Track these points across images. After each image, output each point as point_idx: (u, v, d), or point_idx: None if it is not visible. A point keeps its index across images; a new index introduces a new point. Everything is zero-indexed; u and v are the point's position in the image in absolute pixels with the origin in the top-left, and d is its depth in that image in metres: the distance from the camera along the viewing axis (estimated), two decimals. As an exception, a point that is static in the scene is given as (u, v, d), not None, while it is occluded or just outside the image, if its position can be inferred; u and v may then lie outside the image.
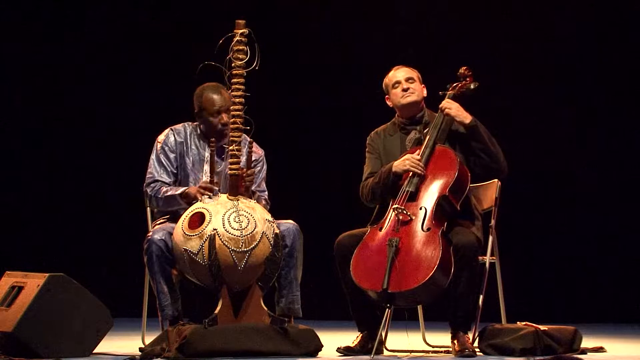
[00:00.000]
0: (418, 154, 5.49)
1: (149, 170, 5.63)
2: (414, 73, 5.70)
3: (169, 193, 5.52)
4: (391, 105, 5.73)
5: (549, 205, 8.49)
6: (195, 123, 5.71)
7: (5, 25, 8.90)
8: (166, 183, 5.59)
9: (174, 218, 5.52)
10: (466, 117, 5.55)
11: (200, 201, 5.37)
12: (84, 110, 8.94)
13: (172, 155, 5.64)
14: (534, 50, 8.48)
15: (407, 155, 5.51)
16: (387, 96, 5.73)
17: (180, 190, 5.50)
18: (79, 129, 8.94)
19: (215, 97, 5.55)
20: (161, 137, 5.67)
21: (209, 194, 5.41)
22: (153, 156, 5.64)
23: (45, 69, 8.94)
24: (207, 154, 5.55)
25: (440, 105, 5.60)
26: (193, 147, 5.66)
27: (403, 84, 5.66)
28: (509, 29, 8.48)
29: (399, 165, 5.50)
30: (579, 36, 8.43)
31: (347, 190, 6.27)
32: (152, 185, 5.59)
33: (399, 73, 5.70)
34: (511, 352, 5.36)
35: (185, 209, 5.44)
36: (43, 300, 5.12)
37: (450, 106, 5.58)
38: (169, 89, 8.66)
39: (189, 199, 5.46)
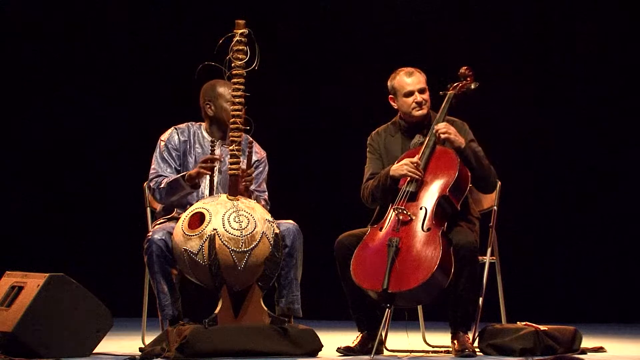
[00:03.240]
0: (418, 157, 5.47)
1: (152, 167, 5.62)
2: (424, 80, 5.61)
3: (171, 179, 5.51)
4: (395, 107, 5.69)
5: (548, 205, 8.49)
6: (199, 123, 5.71)
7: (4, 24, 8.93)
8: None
9: (175, 218, 5.53)
10: (461, 143, 5.49)
11: (202, 200, 5.40)
12: (84, 110, 8.95)
13: (175, 154, 5.64)
14: (534, 50, 8.49)
15: (405, 160, 5.47)
16: (391, 96, 5.67)
17: (182, 174, 5.50)
18: (79, 129, 8.94)
19: (225, 87, 5.56)
20: (164, 136, 5.68)
21: (212, 165, 5.42)
22: (156, 154, 5.64)
23: (46, 67, 8.94)
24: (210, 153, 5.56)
25: (435, 128, 5.52)
26: (197, 145, 5.66)
27: (417, 96, 5.58)
28: (510, 28, 8.49)
29: (396, 169, 5.48)
30: (581, 37, 8.43)
31: (347, 190, 6.27)
32: (155, 179, 5.58)
33: (412, 81, 5.59)
34: (511, 352, 5.36)
35: (189, 200, 5.45)
36: (43, 300, 5.12)
37: (449, 130, 5.47)
38: (170, 89, 8.66)
39: (192, 180, 5.46)
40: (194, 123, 5.72)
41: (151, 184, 5.59)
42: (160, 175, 5.58)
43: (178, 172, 5.61)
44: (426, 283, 5.18)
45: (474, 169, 5.48)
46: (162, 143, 5.65)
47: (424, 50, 8.30)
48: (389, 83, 5.67)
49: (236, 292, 5.31)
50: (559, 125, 8.44)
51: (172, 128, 5.70)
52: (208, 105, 5.63)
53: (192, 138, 5.67)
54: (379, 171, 5.61)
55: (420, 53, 8.13)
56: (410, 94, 5.59)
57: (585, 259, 8.39)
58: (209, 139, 5.61)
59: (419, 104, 5.59)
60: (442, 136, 5.47)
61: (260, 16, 7.50)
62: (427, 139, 5.54)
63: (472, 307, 5.43)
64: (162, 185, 5.53)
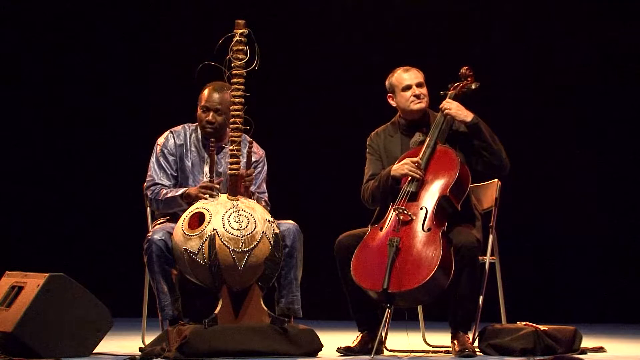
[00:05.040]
0: (419, 156, 5.48)
1: (149, 172, 5.63)
2: (422, 76, 5.65)
3: (169, 195, 5.52)
4: (394, 105, 5.70)
5: (549, 206, 8.49)
6: (195, 124, 5.70)
7: (4, 26, 8.92)
8: (166, 186, 5.59)
9: (174, 218, 5.53)
10: (467, 116, 5.54)
11: (202, 201, 5.38)
12: (84, 111, 8.95)
13: (171, 158, 5.63)
14: (534, 50, 8.49)
15: (406, 160, 5.47)
16: (389, 95, 5.69)
17: (181, 191, 5.50)
18: (79, 129, 8.94)
19: (209, 93, 5.55)
20: (161, 140, 5.67)
21: (210, 192, 5.41)
22: (153, 159, 5.64)
23: (46, 68, 8.94)
24: (207, 155, 5.56)
25: (440, 106, 5.59)
26: (193, 148, 5.66)
27: (414, 89, 5.61)
28: (510, 28, 8.49)
29: (397, 169, 5.48)
30: (580, 36, 8.43)
31: (347, 190, 6.27)
32: (151, 188, 5.59)
33: (409, 76, 5.63)
34: (511, 352, 5.36)
35: (185, 210, 5.44)
36: (43, 300, 5.12)
37: (450, 106, 5.56)
38: (169, 89, 8.66)
39: (190, 200, 5.46)
40: (190, 125, 5.71)
41: (148, 193, 5.60)
42: (157, 184, 5.58)
43: (174, 177, 5.61)
44: (426, 283, 5.17)
45: (488, 143, 5.49)
46: (159, 147, 5.65)
47: (424, 50, 8.30)
48: (387, 82, 5.69)
49: (236, 292, 5.31)
50: (559, 125, 8.44)
51: (169, 131, 5.69)
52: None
53: (188, 141, 5.66)
54: (378, 172, 5.61)
55: (420, 53, 8.13)
56: (408, 87, 5.62)
57: (585, 259, 8.39)
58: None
59: (417, 97, 5.61)
60: (445, 112, 5.51)
61: (260, 16, 7.50)
62: (428, 138, 5.54)
63: (472, 307, 5.43)
64: (160, 198, 5.53)
